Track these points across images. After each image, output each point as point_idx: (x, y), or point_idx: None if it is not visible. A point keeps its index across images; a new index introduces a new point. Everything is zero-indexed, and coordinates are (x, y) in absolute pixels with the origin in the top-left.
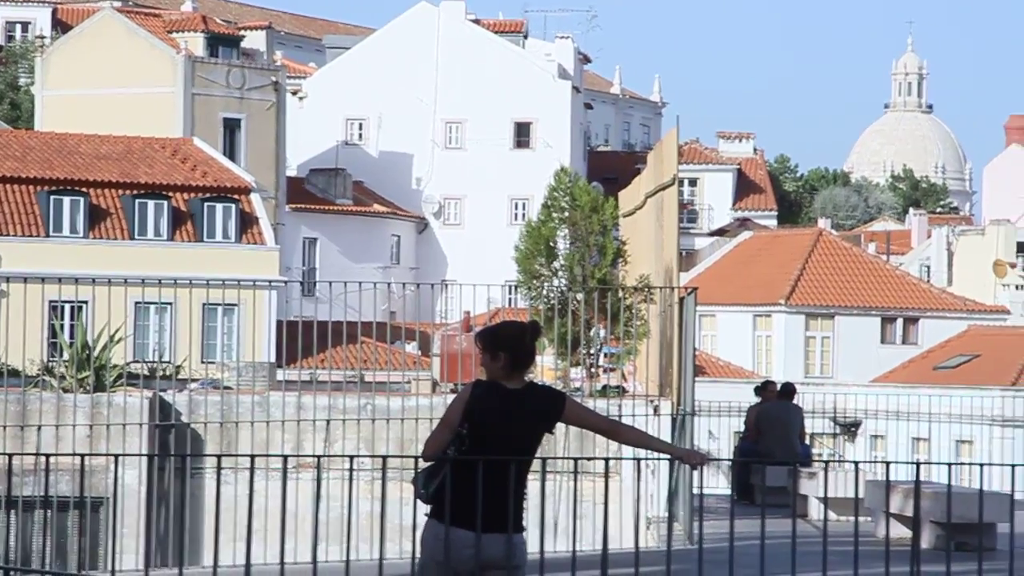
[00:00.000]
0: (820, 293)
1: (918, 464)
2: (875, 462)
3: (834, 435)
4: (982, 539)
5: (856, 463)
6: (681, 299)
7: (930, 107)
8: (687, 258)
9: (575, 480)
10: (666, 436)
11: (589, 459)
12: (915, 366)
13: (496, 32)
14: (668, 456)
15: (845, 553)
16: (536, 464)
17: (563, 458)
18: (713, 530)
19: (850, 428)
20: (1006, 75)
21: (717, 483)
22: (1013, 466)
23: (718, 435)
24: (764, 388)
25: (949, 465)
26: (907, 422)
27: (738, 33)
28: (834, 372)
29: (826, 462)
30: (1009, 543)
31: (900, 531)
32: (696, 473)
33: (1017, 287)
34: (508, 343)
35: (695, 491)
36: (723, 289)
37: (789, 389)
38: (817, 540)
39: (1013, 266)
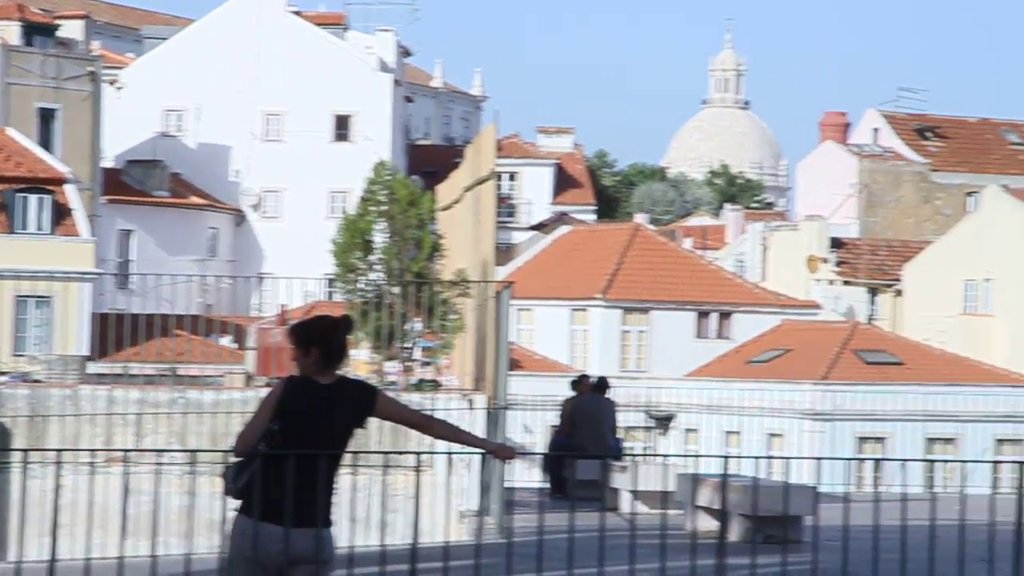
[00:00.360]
0: (636, 287)
1: (726, 458)
2: (685, 456)
3: (647, 429)
4: (787, 532)
5: (665, 456)
6: (497, 293)
7: (747, 103)
8: (505, 252)
9: (387, 475)
10: (480, 430)
11: (400, 453)
12: (729, 360)
13: (317, 24)
14: (480, 450)
15: (654, 546)
16: (348, 458)
17: (374, 452)
18: (525, 524)
19: (664, 422)
20: (822, 72)
21: (532, 477)
22: (819, 459)
23: (534, 429)
24: (580, 382)
25: (756, 459)
26: (720, 416)
27: (559, 29)
28: (649, 366)
29: (635, 456)
30: (813, 536)
31: (710, 524)
32: (508, 467)
33: (829, 282)
34: (320, 338)
35: (507, 485)
36: (541, 283)
37: (603, 383)
38: (627, 533)
39: (825, 261)
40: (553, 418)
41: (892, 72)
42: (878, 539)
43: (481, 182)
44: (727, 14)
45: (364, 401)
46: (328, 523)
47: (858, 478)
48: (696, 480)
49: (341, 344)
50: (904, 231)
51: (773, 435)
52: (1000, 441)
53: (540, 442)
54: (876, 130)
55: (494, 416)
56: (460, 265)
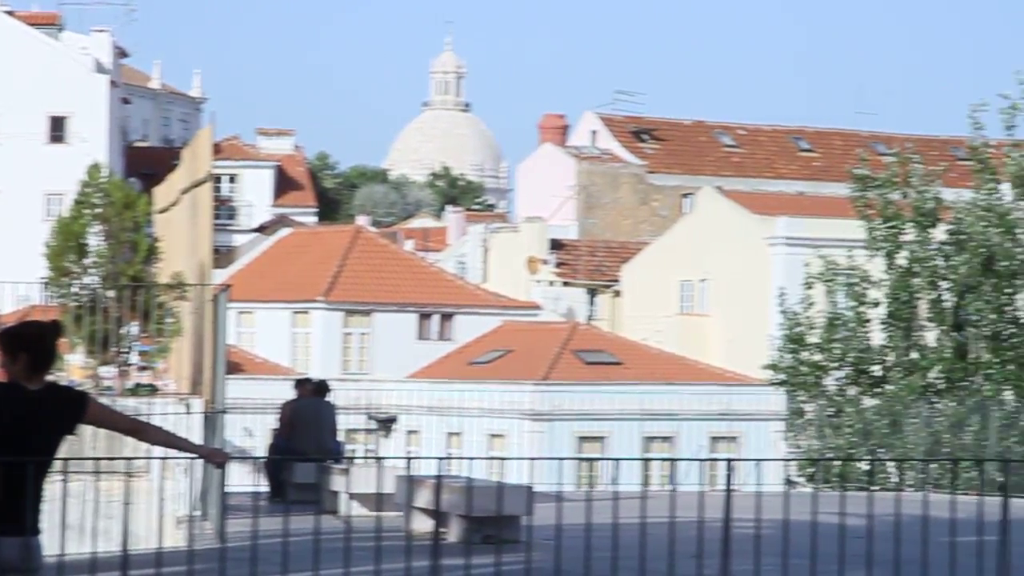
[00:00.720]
0: (358, 289)
1: (440, 459)
2: (401, 458)
3: (369, 431)
4: (503, 532)
5: (380, 459)
6: (214, 296)
7: (468, 106)
8: (226, 255)
9: (101, 480)
10: (197, 435)
11: (112, 459)
12: (451, 361)
13: (30, 24)
14: (193, 455)
15: (371, 548)
16: (60, 465)
17: (86, 458)
18: (243, 528)
19: (386, 424)
20: (541, 75)
21: (252, 481)
22: (533, 459)
23: (256, 432)
24: (301, 385)
25: (471, 459)
26: (442, 417)
27: (280, 30)
28: (371, 368)
29: (354, 458)
30: (527, 535)
31: (427, 525)
32: (227, 471)
33: (549, 283)
34: (27, 344)
35: (226, 489)
36: (262, 286)
37: (322, 386)
38: (344, 536)
39: (545, 263)
40: (275, 421)
41: (609, 75)
42: (590, 537)
43: (198, 184)
44: (447, 16)
45: (74, 408)
46: (37, 531)
47: (578, 477)
48: (413, 482)
49: (50, 350)
50: (622, 232)
51: (494, 436)
52: (715, 439)
53: (261, 445)
54: (594, 132)
55: (212, 420)
56: (177, 268)
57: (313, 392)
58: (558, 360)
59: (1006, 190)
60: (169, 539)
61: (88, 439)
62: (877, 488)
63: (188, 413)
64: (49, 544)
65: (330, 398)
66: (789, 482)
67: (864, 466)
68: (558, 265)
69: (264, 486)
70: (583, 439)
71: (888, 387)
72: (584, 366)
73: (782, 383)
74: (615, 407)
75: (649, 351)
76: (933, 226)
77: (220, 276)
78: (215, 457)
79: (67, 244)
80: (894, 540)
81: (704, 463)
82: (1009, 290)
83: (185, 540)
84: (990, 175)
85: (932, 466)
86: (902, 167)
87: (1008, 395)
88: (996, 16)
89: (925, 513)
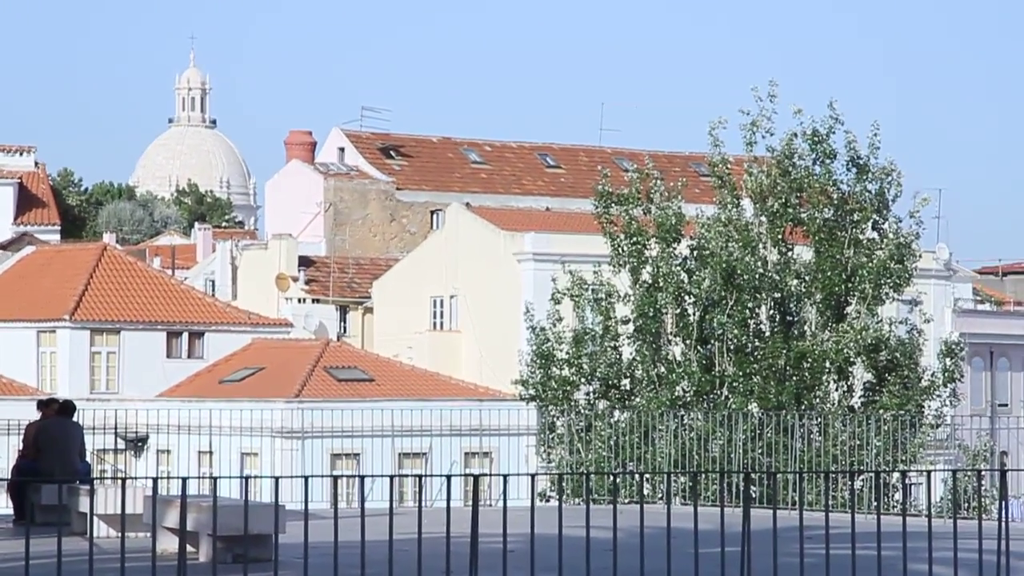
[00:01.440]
0: (105, 308)
1: (184, 479)
2: (147, 478)
3: (118, 451)
4: (251, 550)
5: (124, 479)
6: None
7: (214, 122)
8: None
9: None
10: None
11: None
12: (201, 380)
13: None
14: None
15: (117, 569)
16: None
17: None
18: None
19: (137, 443)
20: (287, 91)
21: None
22: (277, 478)
23: (1, 453)
24: (47, 405)
25: (217, 479)
26: (194, 435)
27: (18, 40)
28: (120, 387)
29: (104, 479)
30: (274, 553)
31: (175, 545)
32: None
33: (300, 300)
34: None
35: None
36: (5, 305)
37: (68, 406)
38: (88, 558)
39: (295, 280)
40: (19, 442)
41: (355, 91)
42: (337, 554)
43: None
44: (191, 31)
45: None
46: None
47: (331, 495)
48: (161, 501)
49: None
50: (372, 249)
51: (247, 454)
52: (469, 454)
53: (5, 467)
54: (342, 149)
55: None
56: None
57: (59, 412)
58: (310, 377)
59: (747, 205)
60: None
61: None
62: (625, 501)
63: None
64: None
65: (77, 418)
66: (544, 497)
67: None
68: (308, 282)
69: (7, 508)
70: (336, 456)
71: (637, 400)
72: (336, 383)
73: (532, 398)
74: (368, 424)
75: (401, 367)
76: (676, 242)
77: None
78: None
79: None
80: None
81: (457, 479)
82: (751, 304)
83: None
84: (730, 191)
85: (682, 479)
86: (643, 183)
87: (753, 407)
88: (735, 33)
89: (669, 525)
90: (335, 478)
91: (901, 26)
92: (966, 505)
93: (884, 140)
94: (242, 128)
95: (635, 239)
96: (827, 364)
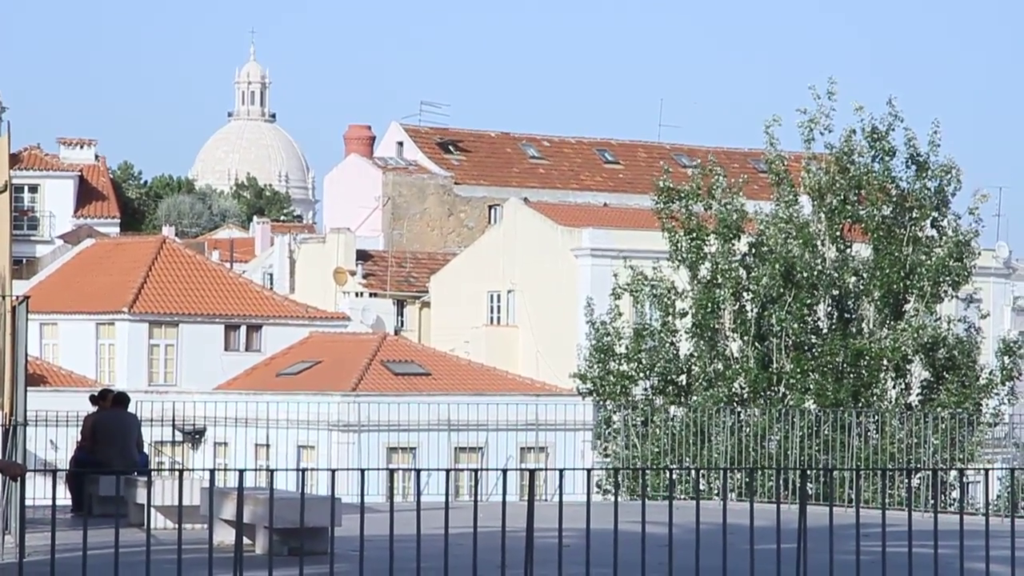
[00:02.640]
0: (163, 301)
1: (242, 472)
2: (204, 470)
3: (176, 443)
4: (306, 543)
5: (182, 471)
6: (13, 308)
7: (273, 116)
8: (28, 266)
9: None
10: None
11: None
12: (258, 373)
13: None
14: None
15: (174, 561)
16: None
17: None
18: (45, 542)
19: (194, 436)
20: (346, 86)
21: (55, 493)
22: (333, 471)
23: (60, 444)
24: (102, 397)
25: (273, 471)
26: (251, 428)
27: (81, 37)
28: (178, 380)
29: (161, 470)
30: (330, 546)
31: (232, 537)
32: (29, 484)
33: (357, 294)
34: None
35: (29, 503)
36: (65, 297)
37: (123, 398)
38: (146, 549)
39: (353, 274)
40: (78, 434)
41: (414, 86)
42: (393, 548)
43: None
44: (251, 26)
45: None
46: None
47: (387, 488)
48: (218, 494)
49: None
50: (429, 243)
51: (304, 447)
52: (524, 449)
53: (66, 458)
54: (400, 144)
55: (12, 432)
56: None
57: (115, 403)
58: (367, 371)
59: (805, 202)
60: None
61: None
62: (681, 497)
63: None
64: None
65: (133, 410)
66: (601, 491)
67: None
68: (365, 276)
69: (66, 499)
70: (392, 450)
71: (694, 397)
72: (393, 377)
73: (590, 392)
74: (424, 418)
75: (458, 362)
76: (736, 238)
77: (22, 287)
78: (10, 470)
79: None
80: (695, 548)
81: (513, 473)
82: (809, 301)
83: None
84: (789, 188)
85: (738, 475)
86: (705, 179)
87: (810, 404)
88: (795, 28)
89: (725, 521)
90: (391, 471)
91: (962, 24)
92: None
93: (944, 137)
94: (301, 122)
95: (694, 235)
96: (884, 362)
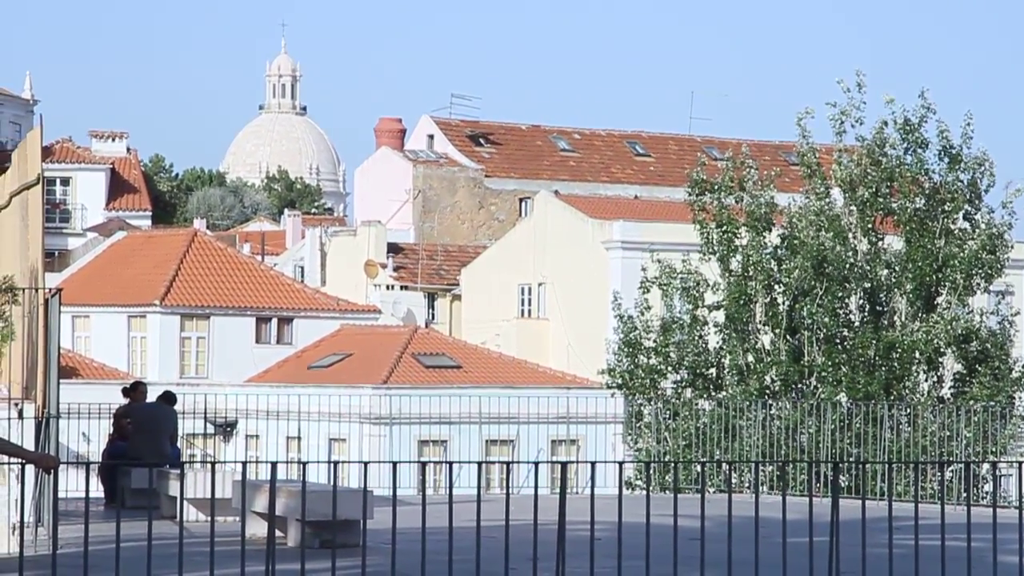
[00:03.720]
0: (195, 294)
1: (274, 464)
2: (236, 462)
3: (208, 435)
4: (338, 535)
5: (214, 463)
6: (46, 300)
7: (304, 109)
8: (60, 259)
9: None
10: (30, 440)
11: None
12: (290, 365)
13: None
14: (22, 460)
15: (207, 553)
16: None
17: None
18: (78, 534)
19: (226, 428)
20: (377, 78)
21: (89, 486)
22: (365, 464)
23: (93, 437)
24: (134, 389)
25: (304, 464)
26: (283, 421)
27: (113, 30)
28: (209, 372)
29: (193, 463)
30: (362, 538)
31: (264, 530)
32: (63, 476)
33: (388, 287)
34: None
35: (62, 495)
36: (97, 290)
37: (170, 396)
38: (179, 541)
39: (384, 266)
40: (110, 426)
41: (445, 79)
42: (425, 540)
43: (28, 187)
44: (282, 18)
45: None
46: None
47: (418, 481)
48: (250, 486)
49: None
50: (460, 236)
51: (335, 440)
52: (555, 442)
53: (99, 450)
54: (431, 136)
55: (45, 425)
56: (7, 272)
57: (160, 398)
58: (398, 364)
59: (836, 194)
60: (2, 545)
61: None
62: (712, 490)
63: (21, 418)
64: None
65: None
66: (630, 485)
67: (698, 468)
68: (396, 269)
69: (99, 491)
70: (423, 442)
71: (725, 390)
72: (424, 370)
73: (619, 387)
74: (455, 411)
75: (489, 355)
76: (767, 231)
77: (54, 280)
78: (44, 462)
79: None
80: (727, 541)
81: (544, 466)
82: (841, 294)
83: (17, 547)
84: (820, 180)
85: (769, 468)
86: (737, 172)
87: (842, 397)
88: (825, 20)
89: (757, 513)
90: (423, 464)
91: (992, 15)
92: None
93: (977, 130)
94: (332, 115)
95: (726, 228)
96: (917, 355)
